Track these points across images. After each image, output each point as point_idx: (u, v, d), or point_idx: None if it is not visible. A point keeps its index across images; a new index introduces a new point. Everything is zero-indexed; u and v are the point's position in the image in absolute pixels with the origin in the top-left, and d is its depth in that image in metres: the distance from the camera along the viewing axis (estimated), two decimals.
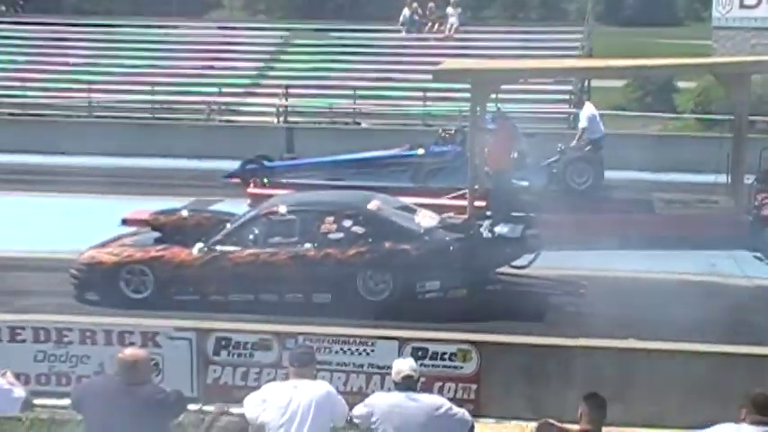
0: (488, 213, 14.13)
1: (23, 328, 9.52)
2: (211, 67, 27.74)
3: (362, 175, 16.81)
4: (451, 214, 13.27)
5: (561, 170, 15.72)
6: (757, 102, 21.29)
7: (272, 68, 28.05)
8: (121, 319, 9.97)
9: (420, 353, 8.94)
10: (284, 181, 16.67)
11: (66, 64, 27.71)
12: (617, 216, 15.02)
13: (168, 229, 12.27)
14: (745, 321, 11.15)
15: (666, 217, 15.23)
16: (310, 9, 33.74)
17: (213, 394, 9.14)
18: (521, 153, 16.15)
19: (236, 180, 17.43)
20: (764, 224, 14.19)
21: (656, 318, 11.07)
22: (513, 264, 12.26)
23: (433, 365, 9.02)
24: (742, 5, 26.38)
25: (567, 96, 24.83)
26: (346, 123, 24.80)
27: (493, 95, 16.52)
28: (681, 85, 26.64)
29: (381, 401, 6.41)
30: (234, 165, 18.02)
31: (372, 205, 12.11)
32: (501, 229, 12.29)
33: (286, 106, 25.16)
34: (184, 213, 12.63)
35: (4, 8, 34.47)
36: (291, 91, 25.57)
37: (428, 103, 24.71)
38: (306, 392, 6.24)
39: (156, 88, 25.81)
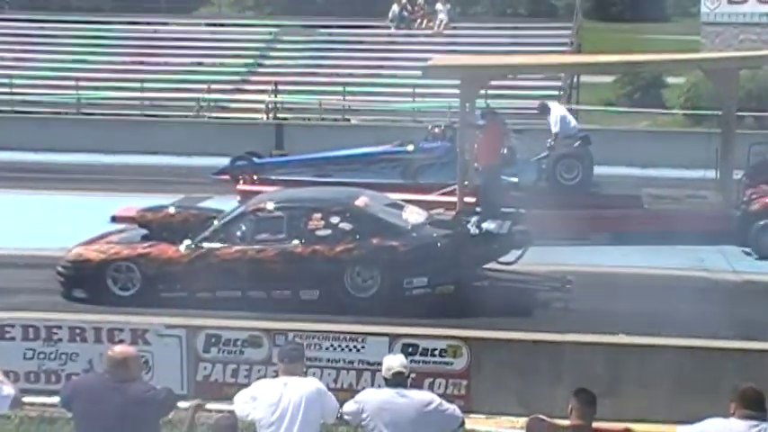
0: (478, 209, 14.15)
1: (12, 326, 9.48)
2: (200, 64, 27.68)
3: (352, 172, 16.78)
4: (442, 210, 13.28)
5: (550, 166, 15.72)
6: (746, 97, 21.38)
7: (261, 65, 28.02)
8: (111, 316, 9.95)
9: (410, 349, 8.94)
10: (273, 178, 16.65)
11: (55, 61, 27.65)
12: (606, 212, 15.05)
13: (155, 226, 12.26)
14: (733, 316, 11.18)
15: (655, 212, 15.27)
16: (299, 5, 33.65)
17: (203, 391, 9.11)
18: (510, 149, 16.15)
19: (226, 177, 17.38)
20: (753, 219, 14.22)
21: (645, 313, 11.10)
22: (501, 260, 12.27)
23: (423, 361, 9.02)
24: (730, 1, 26.44)
25: (556, 92, 24.86)
26: (336, 120, 24.77)
27: (482, 91, 16.50)
28: (670, 80, 26.68)
29: (372, 398, 6.41)
30: (223, 161, 17.99)
31: (360, 202, 12.11)
32: (488, 225, 12.30)
33: (275, 103, 25.13)
34: (171, 210, 12.61)
35: None
36: (281, 87, 25.54)
37: (417, 99, 24.70)
38: (296, 389, 6.24)
39: (146, 85, 25.74)
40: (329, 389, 6.58)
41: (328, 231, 11.70)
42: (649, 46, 27.35)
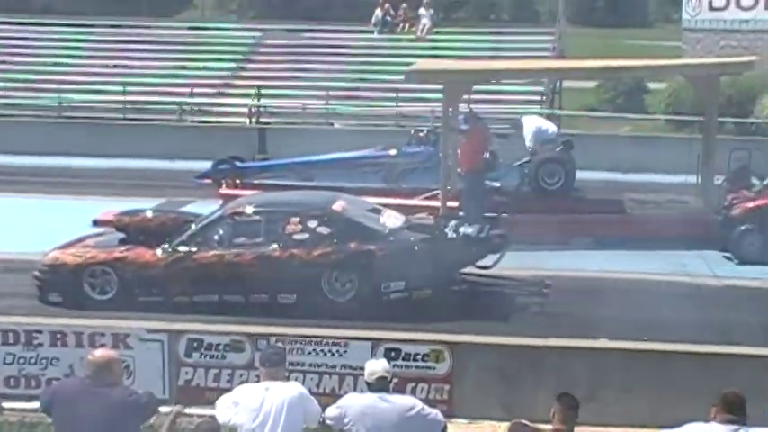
0: (460, 214, 14.16)
1: None
2: (183, 68, 27.60)
3: (335, 176, 16.77)
4: (424, 215, 13.28)
5: (533, 171, 15.76)
6: (726, 103, 21.50)
7: (243, 69, 27.96)
8: (92, 320, 9.88)
9: (393, 354, 8.92)
10: (256, 182, 16.62)
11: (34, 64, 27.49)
12: (588, 216, 15.10)
13: (132, 230, 12.18)
14: (714, 321, 11.23)
15: (637, 217, 15.33)
16: (282, 9, 33.61)
17: (185, 396, 9.07)
18: (493, 154, 16.18)
19: (208, 181, 17.34)
20: (734, 224, 14.29)
21: (627, 317, 11.13)
22: (478, 264, 12.27)
23: (405, 366, 9.00)
24: (711, 8, 26.58)
25: (538, 97, 24.93)
26: (319, 124, 24.75)
27: (465, 96, 16.51)
28: (651, 86, 26.79)
29: (354, 402, 6.41)
30: (205, 165, 17.93)
31: (337, 206, 12.09)
32: (466, 229, 12.31)
33: (258, 107, 25.09)
34: (149, 214, 12.54)
35: None
36: (263, 91, 25.49)
37: (401, 104, 24.71)
38: (278, 394, 6.22)
39: (128, 89, 25.65)
40: (312, 393, 6.57)
41: (306, 235, 11.69)
42: (632, 52, 27.48)
